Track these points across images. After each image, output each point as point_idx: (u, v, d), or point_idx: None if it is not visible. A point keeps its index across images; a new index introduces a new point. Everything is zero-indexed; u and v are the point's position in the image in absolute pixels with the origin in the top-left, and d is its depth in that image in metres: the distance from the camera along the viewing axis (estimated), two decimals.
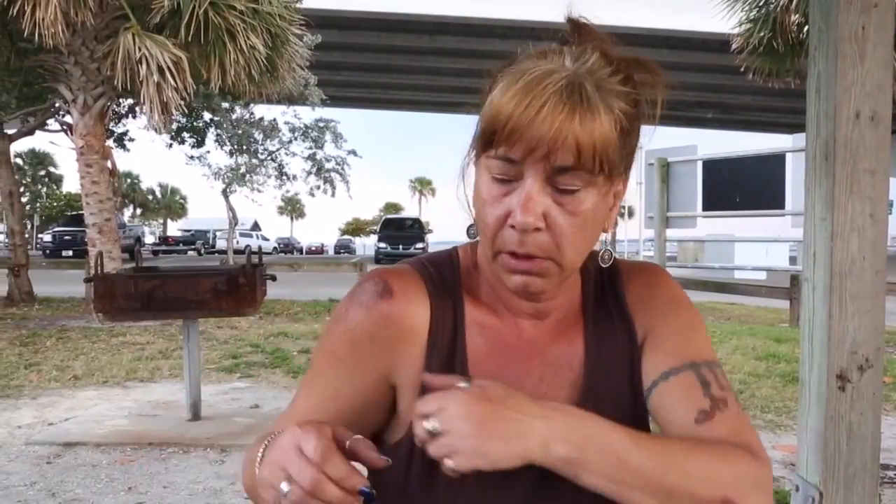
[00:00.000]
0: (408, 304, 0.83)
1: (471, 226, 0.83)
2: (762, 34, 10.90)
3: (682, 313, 0.88)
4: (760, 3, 11.08)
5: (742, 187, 8.81)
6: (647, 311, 0.88)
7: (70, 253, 25.92)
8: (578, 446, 0.69)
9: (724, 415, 0.78)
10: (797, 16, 10.46)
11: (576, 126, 0.69)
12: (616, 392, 0.86)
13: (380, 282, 0.83)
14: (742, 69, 11.77)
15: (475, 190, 0.80)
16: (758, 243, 16.53)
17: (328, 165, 23.01)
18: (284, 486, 0.65)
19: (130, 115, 15.09)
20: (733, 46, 11.56)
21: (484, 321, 0.86)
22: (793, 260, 18.64)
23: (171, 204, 72.63)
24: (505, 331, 0.86)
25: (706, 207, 8.84)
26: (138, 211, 65.09)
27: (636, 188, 9.28)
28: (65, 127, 12.36)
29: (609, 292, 0.90)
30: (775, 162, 8.57)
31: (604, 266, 0.87)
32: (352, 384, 0.83)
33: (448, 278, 0.87)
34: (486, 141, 0.74)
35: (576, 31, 0.77)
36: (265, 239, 50.84)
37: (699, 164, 8.84)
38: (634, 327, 0.88)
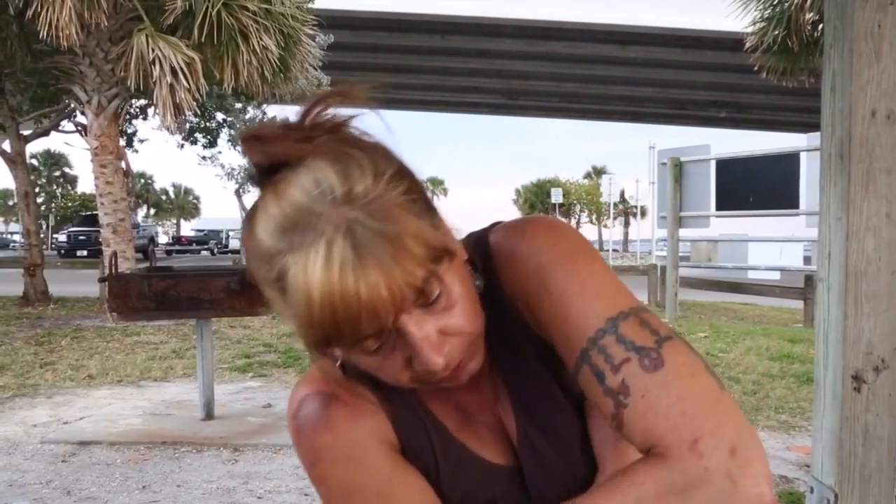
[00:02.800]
0: (357, 408, 0.75)
1: None
2: (776, 33, 10.82)
3: (550, 282, 0.72)
4: (775, 2, 11.00)
5: (756, 187, 8.77)
6: (520, 295, 0.74)
7: (84, 253, 26.10)
8: None
9: (629, 411, 0.65)
10: (812, 14, 10.37)
11: (399, 282, 0.60)
12: (540, 395, 0.79)
13: (317, 396, 0.75)
14: (756, 68, 11.68)
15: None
16: (772, 243, 16.42)
17: None
18: None
19: (142, 116, 15.20)
20: (747, 45, 11.48)
21: (440, 397, 0.79)
22: (807, 260, 18.49)
23: (184, 204, 72.90)
24: (461, 400, 0.80)
25: (719, 207, 8.81)
26: (152, 211, 65.32)
27: (648, 188, 9.28)
28: (79, 128, 12.45)
29: (493, 294, 0.76)
30: (789, 161, 8.53)
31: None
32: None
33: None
34: (321, 349, 0.66)
35: (314, 128, 0.67)
36: None
37: (712, 164, 8.81)
38: (518, 314, 0.76)
